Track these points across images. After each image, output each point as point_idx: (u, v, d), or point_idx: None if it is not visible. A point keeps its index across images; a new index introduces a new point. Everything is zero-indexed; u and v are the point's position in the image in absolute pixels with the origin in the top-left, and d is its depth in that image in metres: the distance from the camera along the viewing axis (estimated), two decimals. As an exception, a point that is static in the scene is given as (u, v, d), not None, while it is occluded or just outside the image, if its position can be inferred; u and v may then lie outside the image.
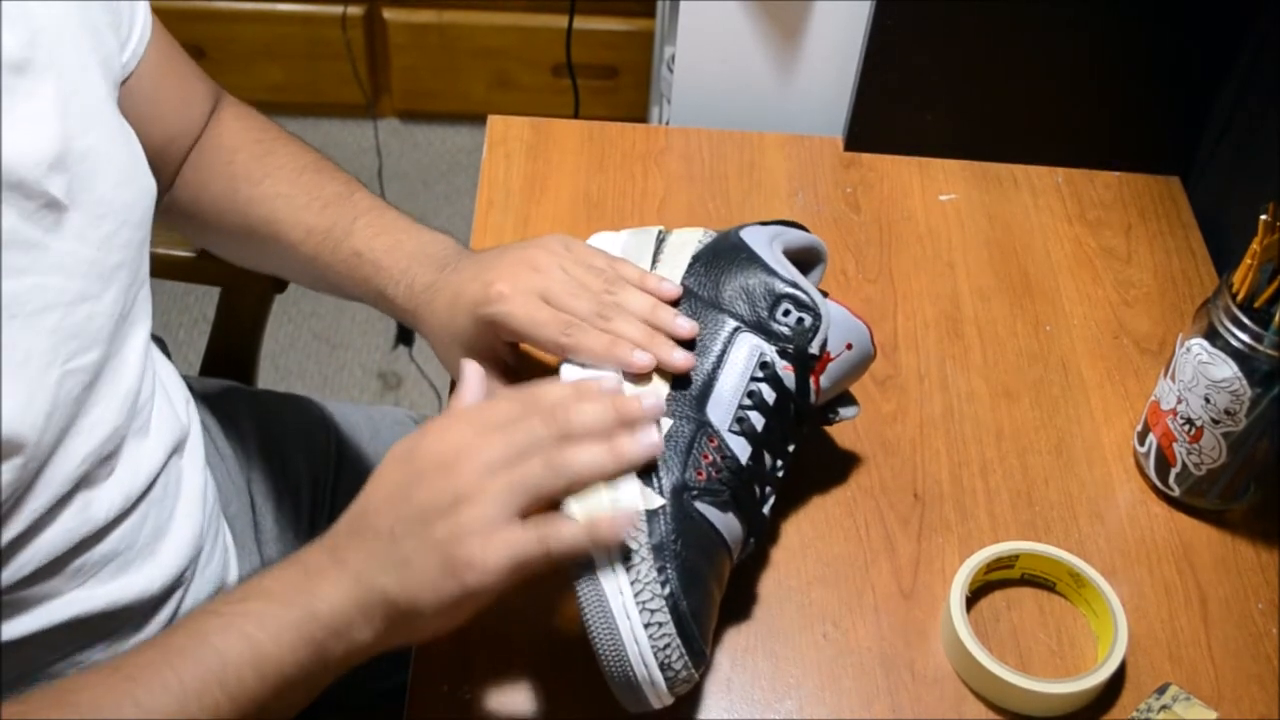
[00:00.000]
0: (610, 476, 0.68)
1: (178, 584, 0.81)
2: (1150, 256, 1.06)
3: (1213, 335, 0.81)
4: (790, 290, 0.78)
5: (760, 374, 0.76)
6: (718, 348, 0.77)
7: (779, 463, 0.78)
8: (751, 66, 1.15)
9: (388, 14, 2.12)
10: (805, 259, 0.84)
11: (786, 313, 0.77)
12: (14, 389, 0.64)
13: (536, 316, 0.76)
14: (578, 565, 0.68)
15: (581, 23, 1.81)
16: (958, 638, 0.77)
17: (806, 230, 0.84)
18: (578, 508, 0.68)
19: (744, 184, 1.09)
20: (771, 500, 0.78)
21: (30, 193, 0.65)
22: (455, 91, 2.23)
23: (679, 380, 0.75)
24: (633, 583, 0.68)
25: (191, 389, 0.97)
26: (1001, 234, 1.07)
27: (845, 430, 0.91)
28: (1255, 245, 0.79)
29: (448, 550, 0.64)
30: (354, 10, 2.11)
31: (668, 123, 1.21)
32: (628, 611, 0.67)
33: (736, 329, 0.77)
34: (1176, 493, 0.88)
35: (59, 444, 0.68)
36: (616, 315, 0.77)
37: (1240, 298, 0.79)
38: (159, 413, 0.80)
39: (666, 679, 0.68)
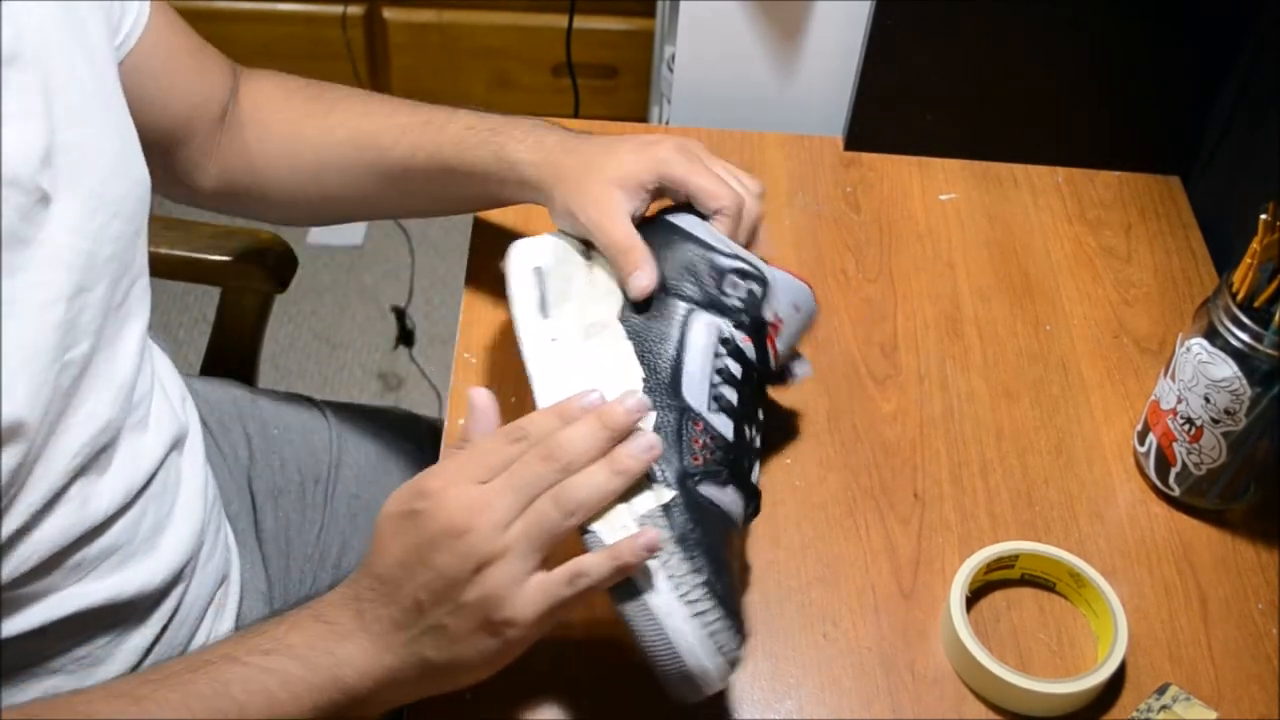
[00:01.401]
0: (616, 494, 0.68)
1: (178, 579, 0.81)
2: (1150, 256, 1.06)
3: (1213, 335, 0.81)
4: (735, 263, 0.78)
5: (723, 349, 0.77)
6: (675, 332, 0.77)
7: (755, 432, 0.78)
8: (751, 66, 1.15)
9: (388, 14, 2.12)
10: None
11: (735, 285, 0.78)
12: (22, 380, 0.64)
13: (694, 163, 0.81)
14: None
15: (581, 22, 1.81)
16: (958, 638, 0.77)
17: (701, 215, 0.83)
18: (600, 526, 0.68)
19: (744, 184, 1.09)
20: (757, 468, 0.78)
21: (25, 188, 0.65)
22: (455, 91, 2.23)
23: (649, 364, 0.76)
24: (669, 578, 0.68)
25: (192, 389, 0.97)
26: (1001, 234, 1.07)
27: (845, 430, 0.91)
28: (1255, 245, 0.79)
29: (484, 613, 0.64)
30: (354, 10, 2.11)
31: (668, 122, 1.21)
32: (672, 609, 0.67)
33: (690, 310, 0.77)
34: (1176, 492, 0.88)
35: (51, 435, 0.68)
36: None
37: (1240, 297, 0.79)
38: (157, 408, 0.80)
39: (724, 662, 0.68)
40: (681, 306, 0.78)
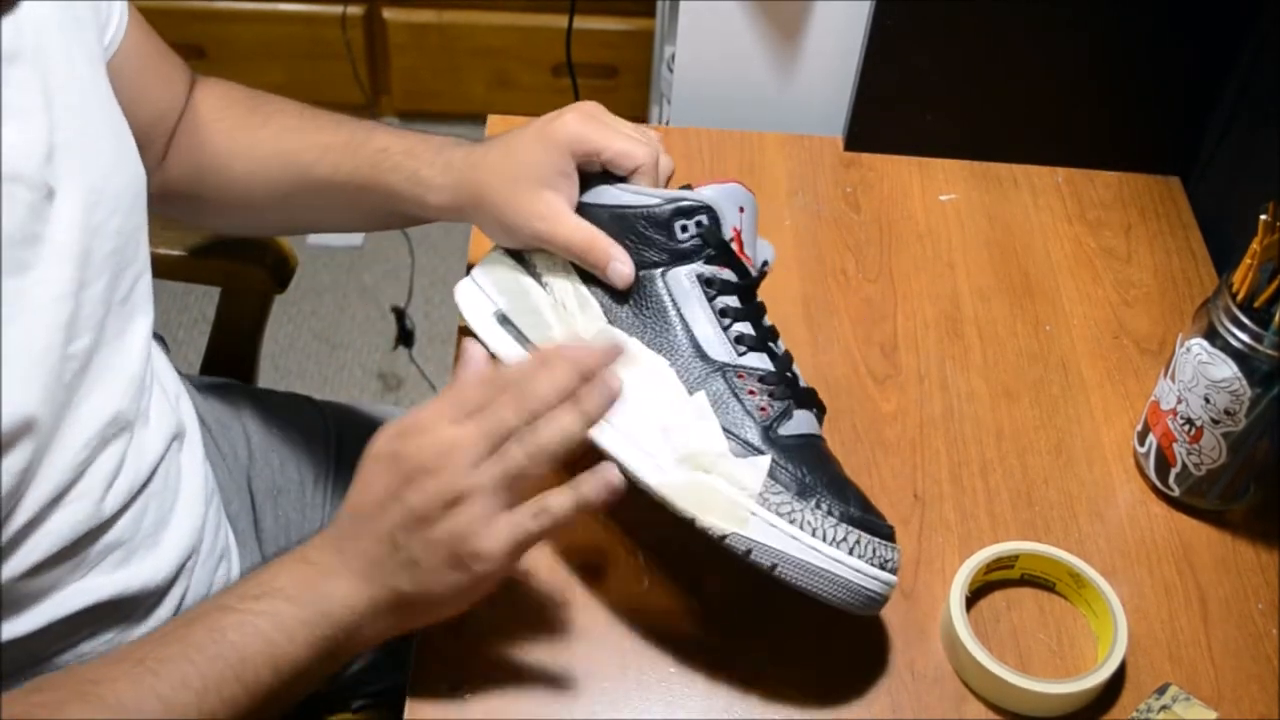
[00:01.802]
0: (582, 437, 0.69)
1: (179, 576, 0.82)
2: (1150, 256, 1.06)
3: (1212, 335, 0.81)
4: (671, 206, 0.78)
5: (711, 291, 0.78)
6: (666, 301, 0.78)
7: (776, 339, 0.79)
8: (751, 66, 1.15)
9: (388, 14, 2.12)
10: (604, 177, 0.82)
11: (684, 228, 0.78)
12: (33, 376, 0.65)
13: (603, 127, 0.80)
14: (755, 552, 0.71)
15: (581, 22, 1.81)
16: (958, 638, 0.77)
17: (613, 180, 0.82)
18: (725, 522, 0.71)
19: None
20: (798, 371, 0.79)
21: (31, 184, 0.65)
22: (455, 91, 2.23)
23: (666, 349, 0.77)
24: (813, 532, 0.71)
25: (192, 388, 0.97)
26: (1001, 234, 1.07)
27: (845, 430, 0.91)
28: (1255, 245, 0.79)
29: (452, 547, 0.67)
30: (354, 10, 2.11)
31: (668, 122, 1.21)
32: (830, 555, 0.71)
33: (662, 273, 0.78)
34: (1176, 493, 0.88)
35: (57, 429, 0.69)
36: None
37: (1240, 298, 0.79)
38: (156, 403, 0.81)
39: (891, 570, 0.72)
40: (654, 275, 0.78)
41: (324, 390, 1.95)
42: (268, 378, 1.91)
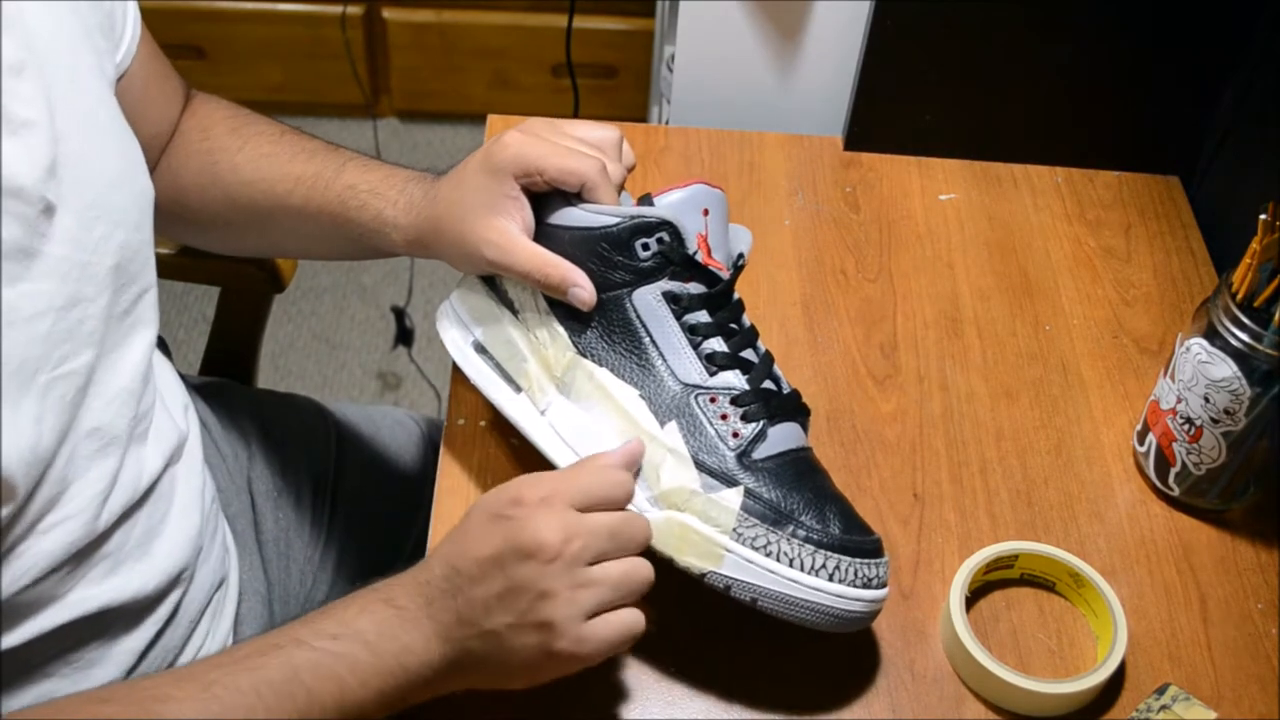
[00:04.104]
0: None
1: (175, 583, 0.81)
2: (1150, 256, 1.06)
3: (1212, 335, 0.81)
4: (630, 225, 0.75)
5: (679, 309, 0.76)
6: (635, 322, 0.76)
7: (759, 345, 0.78)
8: (751, 66, 1.15)
9: (387, 14, 2.12)
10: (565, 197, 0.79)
11: (645, 246, 0.75)
12: (8, 395, 0.64)
13: (542, 145, 0.76)
14: (734, 588, 0.71)
15: (581, 22, 1.81)
16: (958, 638, 0.77)
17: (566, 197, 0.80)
18: (701, 562, 0.72)
19: (744, 184, 1.09)
20: (780, 374, 0.78)
21: (29, 199, 0.64)
22: (455, 91, 2.23)
23: (636, 375, 0.76)
24: (790, 563, 0.71)
25: (191, 388, 0.97)
26: (1001, 234, 1.07)
27: (845, 430, 0.91)
28: (1255, 245, 0.79)
29: (539, 637, 0.67)
30: (354, 10, 2.11)
31: (667, 122, 1.21)
32: (810, 585, 0.71)
33: (628, 293, 0.76)
34: (1176, 492, 0.88)
35: (59, 447, 0.68)
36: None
37: (1240, 297, 0.79)
38: (158, 420, 0.80)
39: (877, 586, 0.72)
40: (622, 296, 0.76)
41: (324, 390, 1.95)
42: (268, 378, 1.91)
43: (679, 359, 0.75)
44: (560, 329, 0.78)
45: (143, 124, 0.83)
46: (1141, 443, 0.89)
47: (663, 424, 0.74)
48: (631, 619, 0.69)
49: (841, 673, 0.78)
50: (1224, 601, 0.83)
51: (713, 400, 0.74)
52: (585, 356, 0.77)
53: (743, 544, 0.71)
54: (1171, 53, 1.06)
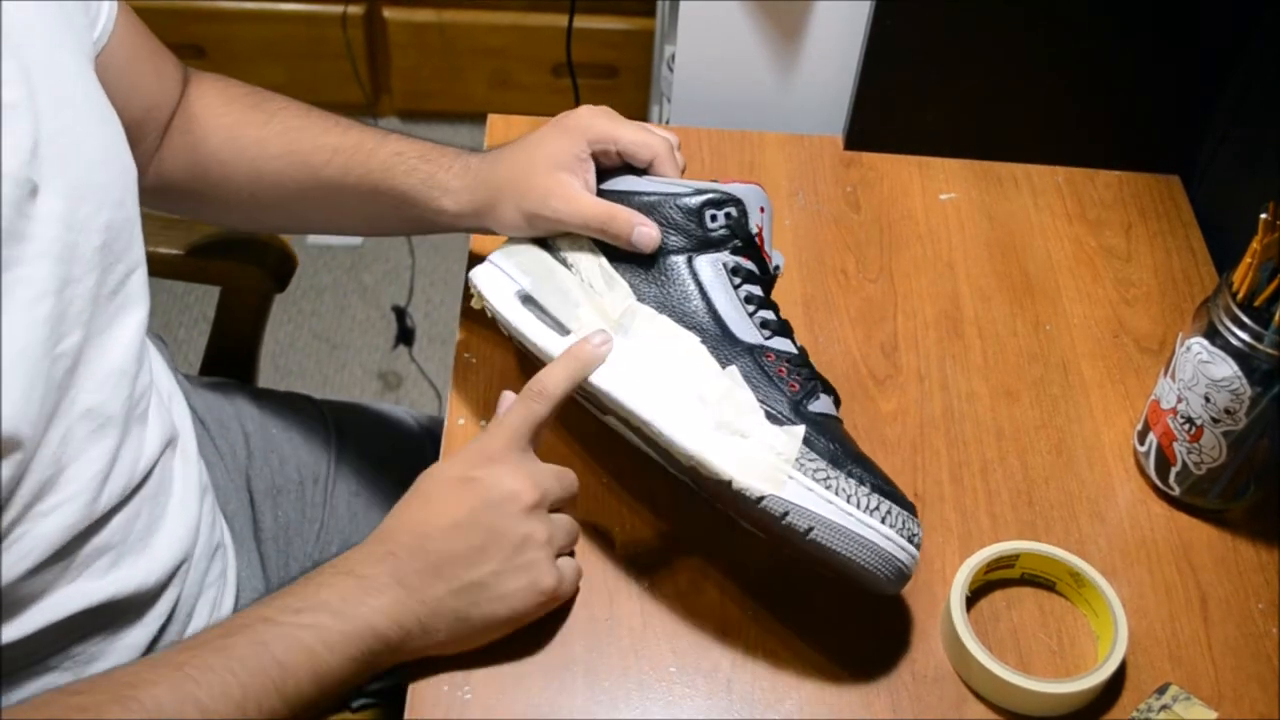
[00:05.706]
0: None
1: (173, 578, 0.81)
2: (1150, 256, 1.06)
3: (1213, 334, 0.81)
4: (702, 198, 0.80)
5: (737, 280, 0.80)
6: (693, 286, 0.79)
7: (793, 337, 0.81)
8: (751, 66, 1.15)
9: (388, 13, 2.12)
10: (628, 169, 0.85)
11: (714, 218, 0.80)
12: (14, 381, 0.64)
13: (618, 118, 0.83)
14: (792, 514, 0.72)
15: (581, 22, 1.81)
16: (958, 638, 0.77)
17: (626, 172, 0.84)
18: (763, 484, 0.72)
19: (744, 184, 1.09)
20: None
21: (15, 180, 0.64)
22: (455, 91, 2.23)
23: (695, 329, 0.79)
24: (848, 499, 0.73)
25: (191, 387, 0.97)
26: (1001, 233, 1.07)
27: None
28: (1255, 244, 0.79)
29: (532, 576, 0.73)
30: (354, 9, 2.11)
31: (668, 122, 1.22)
32: (865, 521, 0.72)
33: (689, 259, 0.80)
34: (1177, 492, 0.88)
35: (49, 428, 0.68)
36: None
37: (1240, 296, 0.79)
38: (154, 405, 0.80)
39: (917, 544, 0.74)
40: (679, 260, 0.80)
41: (324, 390, 1.95)
42: (268, 377, 1.91)
43: (736, 322, 0.79)
44: (621, 281, 0.80)
45: (132, 100, 0.83)
46: (1142, 442, 0.89)
47: (724, 366, 0.77)
48: (577, 563, 0.77)
49: (842, 672, 0.78)
50: (1224, 601, 0.83)
51: (769, 357, 0.78)
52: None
53: (804, 473, 0.73)
54: (1172, 52, 1.06)
